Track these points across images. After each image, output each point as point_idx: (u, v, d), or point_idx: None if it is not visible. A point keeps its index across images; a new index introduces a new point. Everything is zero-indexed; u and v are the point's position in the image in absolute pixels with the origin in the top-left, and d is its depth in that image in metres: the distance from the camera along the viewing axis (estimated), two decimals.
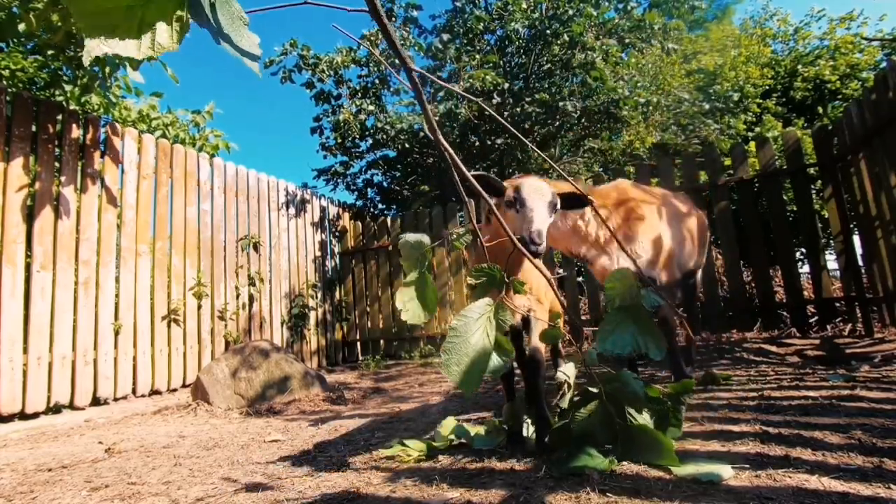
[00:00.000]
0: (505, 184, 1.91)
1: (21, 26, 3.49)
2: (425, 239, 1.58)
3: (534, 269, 1.86)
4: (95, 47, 0.76)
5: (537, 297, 1.97)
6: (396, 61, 10.46)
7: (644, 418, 1.53)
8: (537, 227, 1.70)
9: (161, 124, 6.26)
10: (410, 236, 1.59)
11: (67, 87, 4.81)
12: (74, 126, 4.21)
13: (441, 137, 1.24)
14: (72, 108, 4.47)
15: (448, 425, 1.99)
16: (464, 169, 1.33)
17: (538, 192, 1.82)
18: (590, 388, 1.62)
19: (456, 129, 9.94)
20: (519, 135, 1.25)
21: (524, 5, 9.95)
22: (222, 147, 7.17)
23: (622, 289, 1.47)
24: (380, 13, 0.88)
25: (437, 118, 10.05)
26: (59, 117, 4.16)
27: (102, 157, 4.43)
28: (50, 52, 3.80)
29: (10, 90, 3.89)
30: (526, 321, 1.94)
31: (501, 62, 10.46)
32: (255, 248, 5.89)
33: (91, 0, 0.70)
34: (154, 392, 4.52)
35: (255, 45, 0.79)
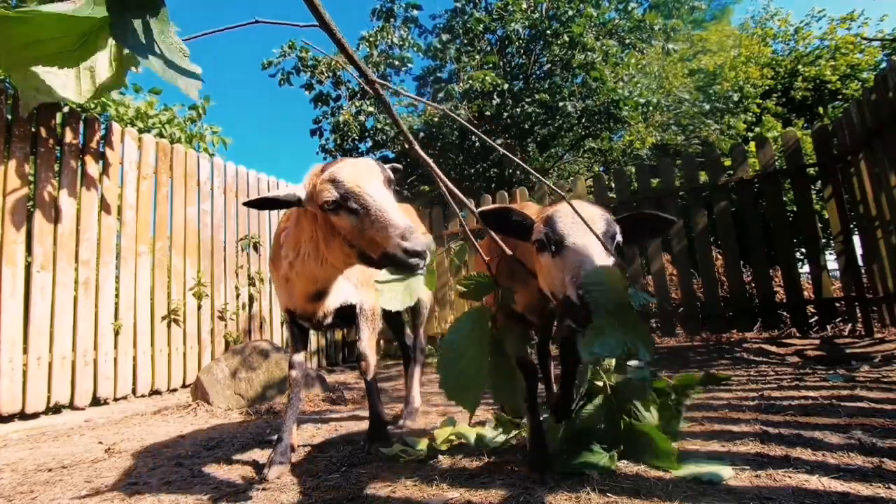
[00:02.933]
0: (533, 213, 1.44)
1: None
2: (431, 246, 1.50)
3: None
4: (31, 98, 0.73)
5: None
6: (396, 62, 10.49)
7: (649, 413, 1.51)
8: (588, 277, 1.12)
9: (158, 122, 6.26)
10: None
11: None
12: (74, 126, 4.21)
13: (419, 148, 1.15)
14: (70, 106, 4.47)
15: (448, 425, 1.99)
16: (445, 179, 1.21)
17: (584, 222, 1.21)
18: (595, 382, 1.61)
19: (456, 129, 9.94)
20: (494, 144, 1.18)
21: (524, 5, 9.96)
22: (219, 143, 7.16)
23: (609, 290, 1.17)
24: (330, 26, 0.86)
25: (436, 118, 10.05)
26: (59, 117, 4.16)
27: (102, 157, 4.43)
28: None
29: (9, 91, 3.89)
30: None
31: (501, 62, 10.47)
32: (255, 248, 5.89)
33: (28, 32, 0.66)
34: (154, 392, 4.52)
35: (196, 83, 0.74)
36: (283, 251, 1.95)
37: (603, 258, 1.18)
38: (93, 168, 4.32)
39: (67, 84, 0.73)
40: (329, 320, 2.01)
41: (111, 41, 0.73)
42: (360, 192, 1.36)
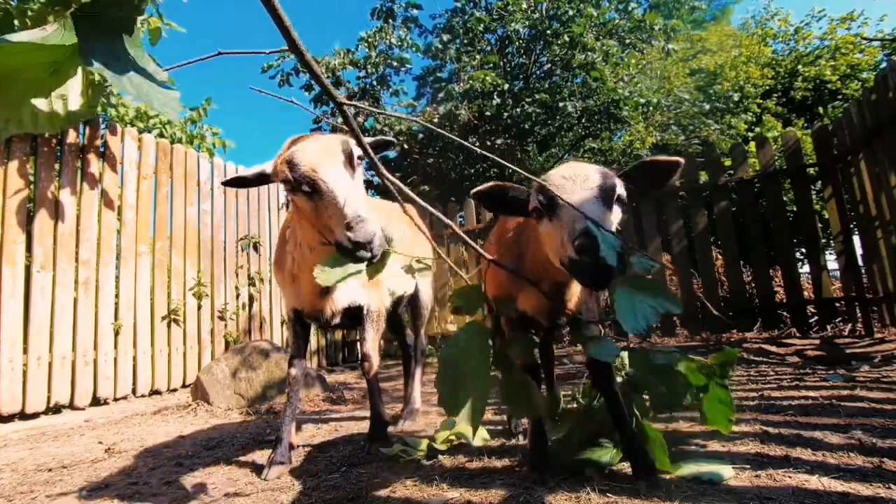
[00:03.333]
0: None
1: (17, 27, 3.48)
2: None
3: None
4: (1, 130, 0.72)
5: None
6: (395, 63, 10.48)
7: (685, 398, 1.37)
8: (584, 227, 1.08)
9: (159, 122, 6.27)
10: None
11: None
12: (74, 126, 4.21)
13: (384, 170, 1.13)
14: None
15: (448, 425, 1.98)
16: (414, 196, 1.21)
17: (578, 179, 1.21)
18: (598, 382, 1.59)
19: (456, 129, 9.94)
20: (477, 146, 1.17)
21: (524, 5, 9.96)
22: (219, 145, 7.17)
23: (609, 241, 1.12)
24: (299, 49, 0.84)
25: (436, 119, 10.05)
26: None
27: (102, 157, 4.43)
28: None
29: None
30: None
31: (501, 62, 10.47)
32: (255, 248, 5.89)
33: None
34: (154, 392, 4.52)
35: (174, 101, 0.73)
36: (287, 247, 1.95)
37: (598, 211, 1.15)
38: (93, 168, 4.32)
39: (39, 113, 0.72)
40: (337, 320, 2.00)
41: (81, 69, 0.73)
42: (315, 177, 1.37)
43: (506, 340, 1.35)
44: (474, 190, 1.34)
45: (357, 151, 1.46)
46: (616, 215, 1.27)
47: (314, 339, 6.52)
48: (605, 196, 1.22)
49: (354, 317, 2.06)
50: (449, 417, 2.11)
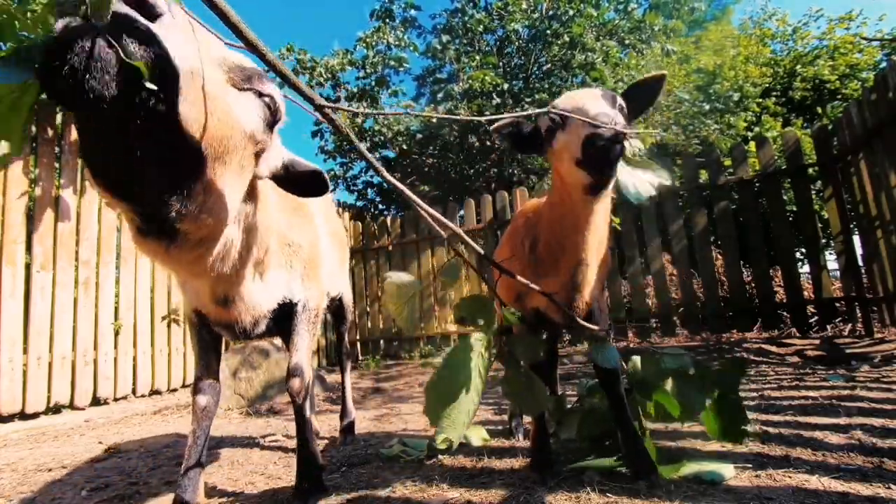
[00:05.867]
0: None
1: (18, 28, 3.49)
2: (415, 282, 1.34)
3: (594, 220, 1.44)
4: None
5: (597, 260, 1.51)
6: (393, 62, 10.46)
7: (698, 402, 1.37)
8: (602, 109, 1.20)
9: None
10: (397, 276, 1.34)
11: None
12: (74, 126, 4.21)
13: (387, 174, 1.05)
14: None
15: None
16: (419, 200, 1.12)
17: (584, 94, 1.31)
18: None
19: (456, 129, 9.94)
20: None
21: (524, 6, 9.96)
22: None
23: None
24: (259, 48, 0.80)
25: (436, 119, 10.05)
26: (59, 118, 4.16)
27: None
28: None
29: None
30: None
31: (501, 63, 10.47)
32: None
33: None
34: (154, 392, 4.52)
35: None
36: None
37: (606, 108, 1.22)
38: None
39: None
40: (262, 327, 1.44)
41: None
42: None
43: (510, 338, 1.35)
44: (494, 126, 1.37)
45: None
46: (621, 119, 1.31)
47: (314, 339, 6.51)
48: (611, 100, 1.30)
49: (283, 319, 1.53)
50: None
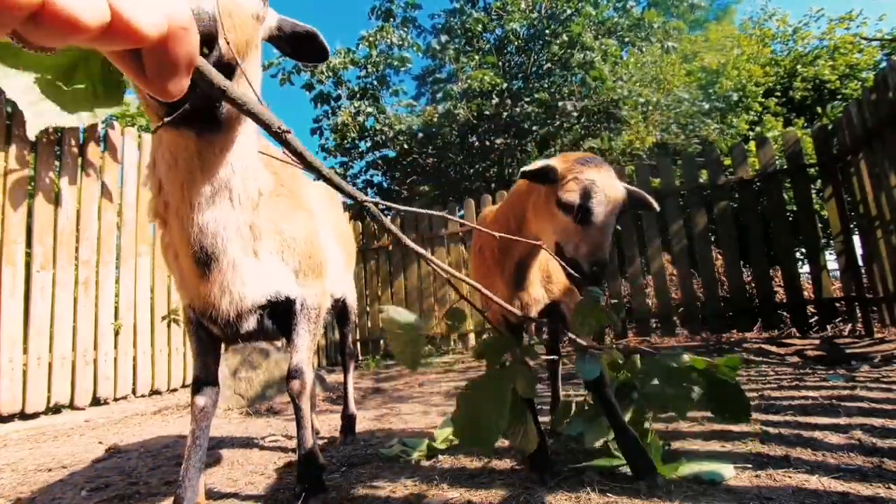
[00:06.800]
0: (556, 164, 1.42)
1: None
2: (417, 323, 1.30)
3: (552, 260, 1.62)
4: (38, 123, 0.76)
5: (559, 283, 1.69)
6: (396, 62, 10.46)
7: (693, 394, 1.39)
8: (604, 256, 1.30)
9: None
10: (395, 314, 1.27)
11: None
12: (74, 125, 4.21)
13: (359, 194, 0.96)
14: None
15: (448, 425, 1.98)
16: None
17: (611, 201, 1.33)
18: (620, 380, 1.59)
19: (455, 129, 9.94)
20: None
21: (523, 5, 9.96)
22: None
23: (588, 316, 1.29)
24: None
25: (436, 118, 10.06)
26: None
27: (102, 156, 4.42)
28: None
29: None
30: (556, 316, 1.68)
31: (500, 62, 10.47)
32: None
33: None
34: (154, 392, 4.52)
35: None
36: (150, 206, 1.27)
37: (607, 247, 1.33)
38: (92, 168, 4.32)
39: (65, 106, 0.75)
40: (250, 324, 1.36)
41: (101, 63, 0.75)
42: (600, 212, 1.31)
43: (486, 340, 1.36)
44: (523, 169, 1.41)
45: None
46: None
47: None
48: (619, 212, 1.39)
49: (280, 317, 1.45)
50: (448, 417, 2.12)
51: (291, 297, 1.45)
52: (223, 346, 1.58)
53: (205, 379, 1.43)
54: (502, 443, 1.94)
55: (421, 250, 1.00)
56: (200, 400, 1.40)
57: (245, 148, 1.14)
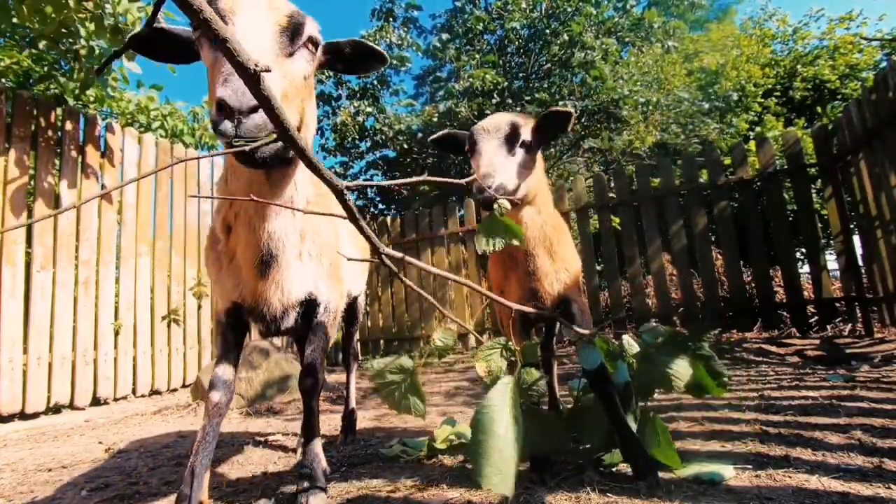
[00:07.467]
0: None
1: (14, 19, 3.49)
2: (406, 363, 1.32)
3: (571, 243, 1.70)
4: None
5: (574, 284, 1.69)
6: (395, 62, 10.44)
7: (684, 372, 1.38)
8: (485, 170, 1.47)
9: (160, 115, 6.29)
10: (380, 365, 1.32)
11: (61, 80, 4.82)
12: (74, 124, 4.21)
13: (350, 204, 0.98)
14: (70, 103, 4.46)
15: (448, 425, 1.99)
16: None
17: (489, 129, 1.56)
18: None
19: (456, 127, 9.93)
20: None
21: (523, 5, 9.96)
22: None
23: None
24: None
25: (435, 118, 10.06)
26: (59, 112, 4.15)
27: (102, 156, 4.43)
28: (43, 44, 3.80)
29: (10, 89, 3.89)
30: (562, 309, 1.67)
31: (501, 62, 10.47)
32: None
33: None
34: (154, 392, 4.52)
35: None
36: (220, 216, 1.43)
37: (498, 156, 1.53)
38: (93, 167, 4.32)
39: None
40: (290, 320, 1.48)
41: None
42: (228, 18, 1.07)
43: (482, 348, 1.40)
44: (431, 138, 1.69)
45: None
46: (519, 156, 1.58)
47: None
48: (509, 142, 1.55)
49: (306, 316, 1.55)
50: (448, 417, 2.12)
51: (319, 299, 1.56)
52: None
53: (223, 377, 1.47)
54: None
55: (423, 265, 1.01)
56: (216, 396, 1.42)
57: (301, 167, 1.32)
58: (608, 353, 1.55)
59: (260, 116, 0.95)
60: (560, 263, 1.66)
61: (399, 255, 0.97)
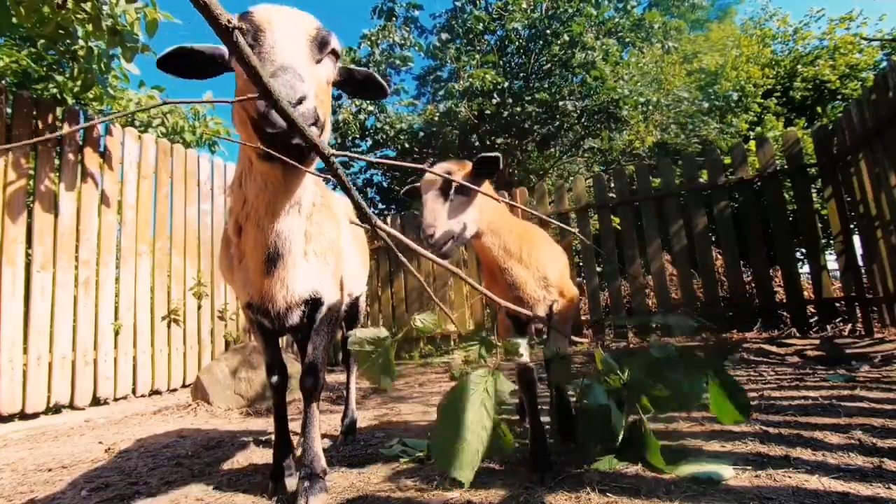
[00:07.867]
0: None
1: (14, 19, 3.48)
2: (381, 338, 1.35)
3: (544, 248, 1.76)
4: None
5: (557, 285, 1.77)
6: (398, 61, 10.45)
7: (691, 387, 1.36)
8: (426, 221, 1.55)
9: (160, 112, 6.29)
10: (362, 334, 1.35)
11: (59, 79, 4.81)
12: (74, 125, 4.21)
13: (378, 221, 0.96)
14: (70, 104, 4.46)
15: None
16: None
17: (427, 182, 1.64)
18: (608, 381, 1.59)
19: (456, 128, 9.94)
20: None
21: (524, 5, 9.96)
22: (223, 133, 7.16)
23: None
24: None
25: (436, 117, 10.05)
26: (59, 112, 4.15)
27: (102, 157, 4.42)
28: (41, 43, 3.81)
29: (10, 90, 3.89)
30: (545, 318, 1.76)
31: (501, 62, 10.47)
32: None
33: None
34: (154, 392, 4.52)
35: None
36: (232, 219, 1.50)
37: (435, 208, 1.58)
38: (93, 167, 4.31)
39: None
40: (295, 318, 1.54)
41: None
42: (264, 28, 1.13)
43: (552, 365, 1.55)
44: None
45: (334, 42, 1.32)
46: (457, 202, 1.61)
47: None
48: (444, 192, 1.61)
49: (309, 315, 1.60)
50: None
51: (323, 298, 1.61)
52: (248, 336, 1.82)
53: (273, 363, 1.67)
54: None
55: (420, 249, 1.01)
56: (275, 379, 1.67)
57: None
58: (604, 363, 1.60)
59: (305, 107, 1.03)
60: (535, 270, 1.74)
61: (394, 231, 0.95)
